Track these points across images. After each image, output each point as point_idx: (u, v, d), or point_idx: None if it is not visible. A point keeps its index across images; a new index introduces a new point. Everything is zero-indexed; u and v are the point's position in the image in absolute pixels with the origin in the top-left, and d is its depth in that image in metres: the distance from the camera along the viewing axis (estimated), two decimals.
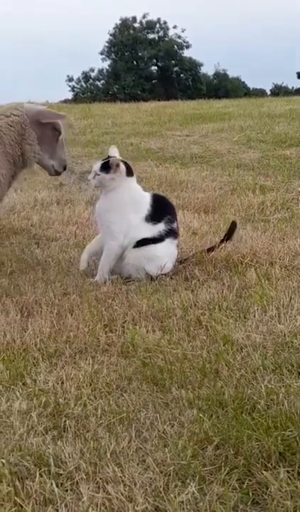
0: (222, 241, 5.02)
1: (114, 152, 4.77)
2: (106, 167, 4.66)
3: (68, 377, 3.06)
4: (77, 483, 2.25)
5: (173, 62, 56.76)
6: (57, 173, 4.89)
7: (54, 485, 2.22)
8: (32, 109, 4.67)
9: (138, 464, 2.35)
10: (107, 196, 4.73)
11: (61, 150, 4.74)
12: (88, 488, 2.21)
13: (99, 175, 4.68)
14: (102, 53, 58.89)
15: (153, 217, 4.65)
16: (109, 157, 4.70)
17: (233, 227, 5.13)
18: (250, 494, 2.17)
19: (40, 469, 2.31)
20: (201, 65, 57.44)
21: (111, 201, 4.69)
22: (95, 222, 4.90)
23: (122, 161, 4.71)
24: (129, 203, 4.66)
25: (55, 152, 4.66)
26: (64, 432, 2.60)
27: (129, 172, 4.73)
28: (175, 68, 56.75)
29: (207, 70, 63.29)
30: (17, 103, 5.26)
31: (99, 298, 4.15)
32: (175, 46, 57.85)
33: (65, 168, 4.87)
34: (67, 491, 2.22)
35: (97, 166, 4.72)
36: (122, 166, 4.67)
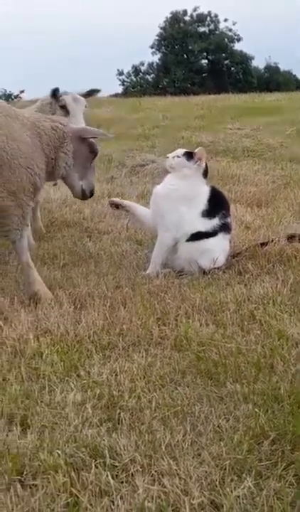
0: (280, 237, 4.95)
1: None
2: (190, 155, 4.73)
3: (122, 370, 3.06)
4: (132, 475, 2.25)
5: (223, 55, 56.24)
6: (84, 196, 4.68)
7: (109, 476, 2.22)
8: (76, 126, 4.73)
9: (193, 458, 2.34)
10: (171, 182, 4.74)
11: (92, 174, 4.69)
12: (143, 481, 2.20)
13: (179, 157, 4.71)
14: (152, 47, 58.78)
15: (209, 212, 4.63)
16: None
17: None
18: None
19: (95, 461, 2.32)
20: (252, 58, 56.84)
21: (172, 190, 4.69)
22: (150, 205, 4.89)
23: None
24: (188, 198, 4.65)
25: (86, 174, 4.59)
26: (118, 424, 2.60)
27: (205, 173, 4.75)
28: (226, 61, 56.22)
29: (258, 63, 62.66)
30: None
31: (152, 291, 4.15)
32: (226, 39, 57.30)
33: (92, 194, 4.73)
34: (122, 482, 2.22)
35: (181, 150, 4.82)
36: (203, 164, 4.70)
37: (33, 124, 4.23)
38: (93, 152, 4.57)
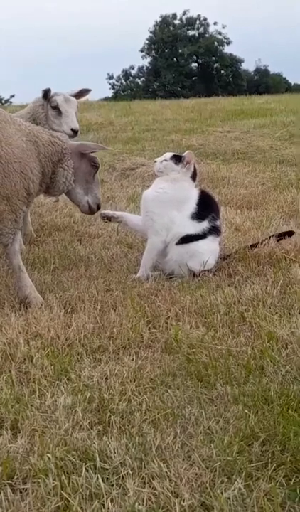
0: (269, 237, 4.97)
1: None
2: (178, 159, 4.74)
3: (112, 373, 3.06)
4: (122, 478, 2.25)
5: (213, 58, 56.41)
6: (91, 211, 4.68)
7: (100, 480, 2.22)
8: (75, 142, 4.73)
9: (183, 460, 2.34)
10: (160, 186, 4.74)
11: (96, 187, 4.69)
12: (134, 483, 2.20)
13: (167, 161, 4.73)
14: (142, 51, 58.99)
15: (199, 214, 4.64)
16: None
17: (290, 234, 5.08)
18: (298, 491, 2.15)
19: (85, 464, 2.32)
20: (242, 61, 57.09)
21: (161, 193, 4.70)
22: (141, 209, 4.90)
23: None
24: (177, 201, 4.66)
25: (91, 188, 4.60)
26: (109, 427, 2.60)
27: (194, 176, 4.76)
28: (216, 65, 56.39)
29: (248, 66, 62.95)
30: None
31: (142, 294, 4.15)
32: (216, 42, 57.52)
33: (99, 207, 4.72)
34: (113, 485, 2.22)
35: (169, 154, 4.84)
36: (192, 167, 4.72)
37: (30, 132, 4.25)
38: (94, 166, 4.59)
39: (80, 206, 4.64)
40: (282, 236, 5.03)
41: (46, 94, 5.43)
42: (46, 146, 4.28)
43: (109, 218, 5.01)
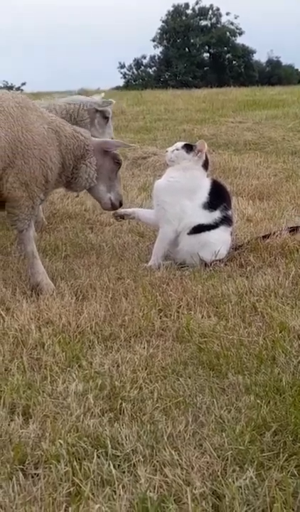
0: (281, 231, 4.95)
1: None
2: (189, 148, 4.73)
3: (124, 361, 3.07)
4: (134, 465, 2.25)
5: (225, 49, 56.16)
6: (113, 207, 4.77)
7: (111, 466, 2.22)
8: (98, 139, 4.77)
9: (195, 448, 2.34)
10: (171, 175, 4.73)
11: (118, 184, 4.76)
12: (145, 471, 2.20)
13: (178, 150, 4.72)
14: (154, 40, 58.76)
15: (211, 204, 4.62)
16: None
17: None
18: None
19: (97, 450, 2.32)
20: (254, 52, 56.87)
21: (173, 182, 4.69)
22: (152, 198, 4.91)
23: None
24: (189, 190, 4.64)
25: (113, 185, 4.66)
26: (120, 414, 2.60)
27: (206, 165, 4.74)
28: (228, 55, 56.15)
29: (260, 57, 62.72)
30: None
31: (154, 283, 4.14)
32: (228, 33, 57.24)
33: (121, 204, 4.78)
34: (124, 472, 2.22)
35: (181, 143, 4.83)
36: (204, 156, 4.70)
37: (53, 122, 4.27)
38: (117, 163, 4.65)
39: (102, 203, 4.69)
40: (294, 229, 5.00)
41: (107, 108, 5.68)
42: (69, 139, 4.29)
43: (122, 217, 4.99)
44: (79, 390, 2.78)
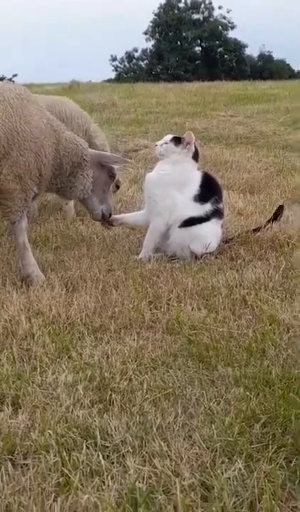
0: (268, 222, 4.98)
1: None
2: (178, 140, 4.73)
3: (113, 352, 3.06)
4: (123, 456, 2.25)
5: (217, 43, 56.06)
6: (104, 219, 4.75)
7: (100, 457, 2.22)
8: (96, 151, 4.80)
9: (184, 440, 2.34)
10: (161, 168, 4.73)
11: (110, 197, 4.78)
12: (134, 462, 2.20)
13: (167, 144, 4.71)
14: (145, 33, 58.62)
15: (202, 197, 4.62)
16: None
17: (280, 209, 5.09)
18: (298, 473, 2.15)
19: (86, 441, 2.31)
20: (246, 46, 56.82)
21: (163, 175, 4.68)
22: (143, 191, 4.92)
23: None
24: (179, 182, 4.64)
25: (106, 198, 4.67)
26: (110, 405, 2.60)
27: (196, 156, 4.73)
28: (220, 49, 56.03)
29: (252, 51, 62.70)
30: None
31: (144, 275, 4.14)
32: (220, 27, 57.16)
33: (110, 215, 4.77)
34: (113, 463, 2.22)
35: (169, 136, 4.81)
36: (193, 147, 4.69)
37: (53, 120, 4.30)
38: (112, 177, 4.66)
39: (94, 214, 4.72)
40: (277, 214, 5.02)
41: None
42: (68, 142, 4.33)
43: (110, 224, 4.96)
44: (69, 381, 2.78)
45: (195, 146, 4.74)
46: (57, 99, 6.28)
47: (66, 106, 6.09)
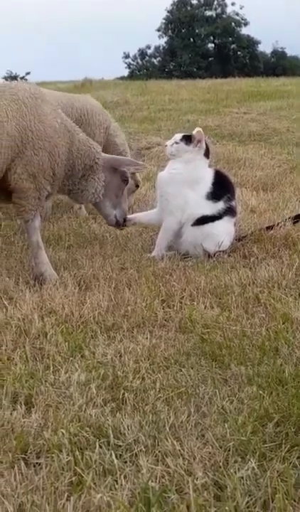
0: (285, 220, 4.94)
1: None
2: (188, 139, 4.70)
3: (126, 351, 3.06)
4: (136, 455, 2.25)
5: (230, 39, 55.88)
6: (118, 224, 4.72)
7: (113, 456, 2.22)
8: (108, 155, 4.79)
9: (197, 439, 2.34)
10: (173, 167, 4.72)
11: (124, 201, 4.75)
12: (147, 461, 2.20)
13: (178, 143, 4.70)
14: (158, 30, 58.54)
15: (214, 195, 4.61)
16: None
17: None
18: None
19: (99, 440, 2.32)
20: (259, 42, 56.61)
21: (175, 174, 4.67)
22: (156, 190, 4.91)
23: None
24: (192, 181, 4.63)
25: (119, 202, 4.65)
26: (123, 404, 2.60)
27: (207, 153, 4.72)
28: (233, 46, 55.84)
29: (265, 48, 62.49)
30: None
31: (157, 273, 4.14)
32: (233, 23, 56.97)
33: (125, 220, 4.75)
34: (126, 462, 2.22)
35: (179, 135, 4.78)
36: (204, 145, 4.68)
37: (67, 121, 4.31)
38: (125, 181, 4.64)
39: (108, 219, 4.71)
40: (298, 218, 4.99)
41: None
42: (81, 143, 4.34)
43: (124, 224, 4.95)
44: (82, 380, 2.78)
45: (205, 143, 4.73)
46: (79, 96, 6.32)
47: (87, 102, 6.11)
